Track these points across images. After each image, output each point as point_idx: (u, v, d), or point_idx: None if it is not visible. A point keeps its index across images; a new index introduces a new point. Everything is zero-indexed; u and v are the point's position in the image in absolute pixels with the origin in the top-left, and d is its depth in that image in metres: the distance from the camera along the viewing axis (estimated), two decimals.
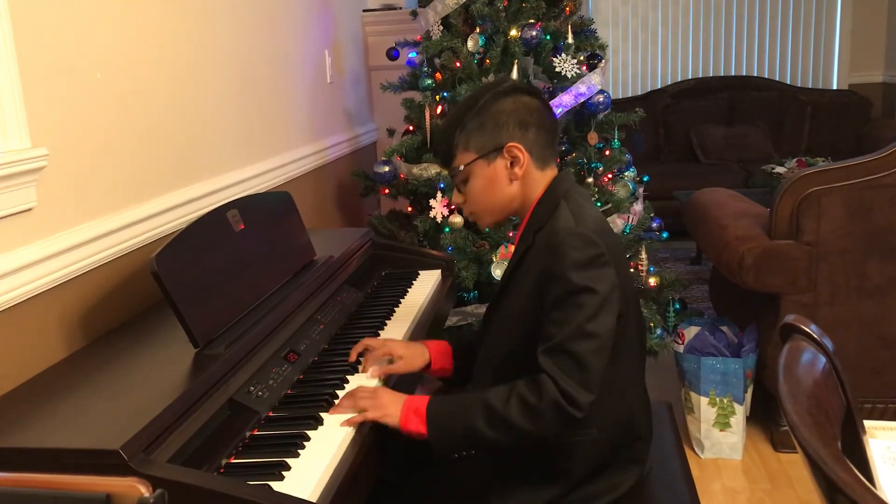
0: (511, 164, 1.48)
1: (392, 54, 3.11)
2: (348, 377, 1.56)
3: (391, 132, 3.20)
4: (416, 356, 1.64)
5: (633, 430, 1.52)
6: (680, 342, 2.72)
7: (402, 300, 2.02)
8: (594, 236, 1.38)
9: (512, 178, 1.49)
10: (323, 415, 1.39)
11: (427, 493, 1.62)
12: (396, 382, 1.60)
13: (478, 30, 2.72)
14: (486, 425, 1.36)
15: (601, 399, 1.37)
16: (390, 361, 1.62)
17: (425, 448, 1.59)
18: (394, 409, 1.40)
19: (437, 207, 2.64)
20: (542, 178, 1.51)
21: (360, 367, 1.60)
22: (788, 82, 6.40)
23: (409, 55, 3.01)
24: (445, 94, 2.78)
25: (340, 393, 1.49)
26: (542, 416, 1.34)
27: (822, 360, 1.12)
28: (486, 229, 2.53)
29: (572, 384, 1.32)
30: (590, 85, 2.70)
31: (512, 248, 2.53)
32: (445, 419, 1.39)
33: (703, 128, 6.04)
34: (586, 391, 1.33)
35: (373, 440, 1.38)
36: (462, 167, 1.51)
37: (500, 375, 1.43)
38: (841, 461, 0.87)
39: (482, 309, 2.66)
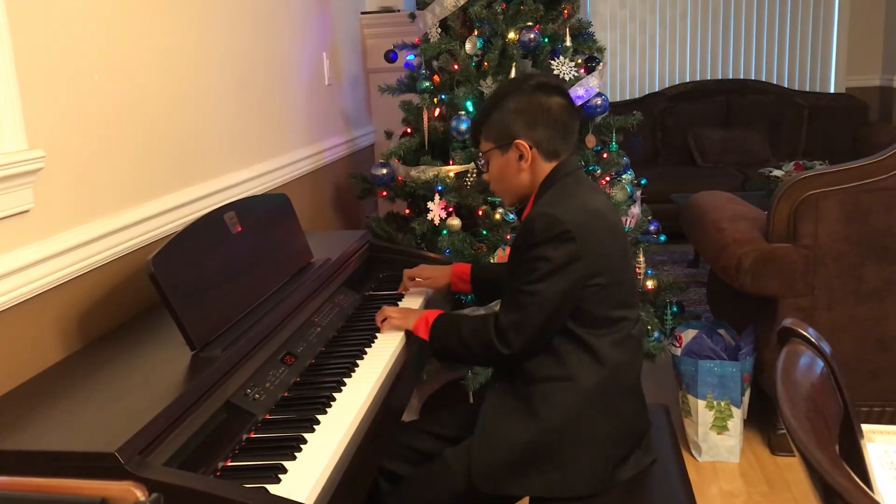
0: (520, 157, 1.70)
1: (390, 57, 3.11)
2: (345, 380, 1.56)
3: (389, 134, 3.20)
4: (441, 277, 2.03)
5: (613, 399, 1.63)
6: (677, 345, 2.72)
7: (399, 303, 2.02)
8: (560, 216, 1.58)
9: (520, 169, 1.71)
10: (320, 417, 1.39)
11: (424, 493, 1.65)
12: (396, 388, 1.61)
13: (476, 32, 2.72)
14: (456, 343, 1.71)
15: (579, 358, 1.61)
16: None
17: (421, 442, 1.80)
18: (412, 319, 1.79)
19: (435, 210, 2.64)
20: (549, 168, 1.71)
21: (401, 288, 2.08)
22: (786, 86, 6.41)
23: (407, 58, 3.01)
24: (443, 96, 2.77)
25: (337, 395, 1.49)
26: (480, 341, 1.65)
27: (820, 363, 1.12)
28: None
29: (506, 323, 1.60)
30: (588, 88, 2.70)
31: (509, 249, 2.54)
32: (438, 334, 1.74)
33: (700, 131, 6.05)
34: (516, 332, 1.59)
35: (369, 443, 1.38)
36: (482, 153, 1.78)
37: None
38: (838, 465, 0.87)
39: (480, 311, 2.65)
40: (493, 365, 1.80)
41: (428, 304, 2.05)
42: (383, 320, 1.82)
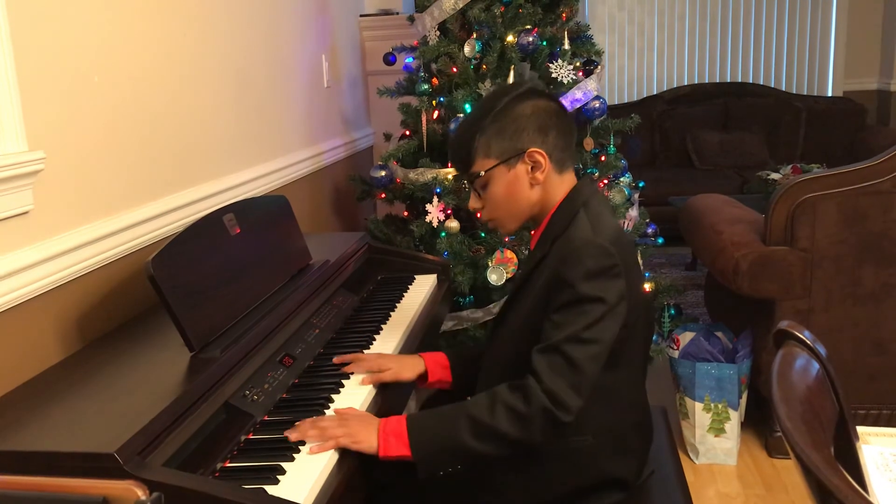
0: (532, 168, 1.48)
1: (389, 59, 3.11)
2: (343, 381, 1.56)
3: (388, 137, 3.21)
4: (406, 368, 1.62)
5: (626, 440, 1.52)
6: (675, 348, 2.72)
7: (397, 305, 2.03)
8: (610, 247, 1.39)
9: (533, 183, 1.49)
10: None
11: (421, 493, 1.63)
12: (390, 393, 1.59)
13: (474, 35, 2.73)
14: (473, 439, 1.34)
15: (596, 405, 1.41)
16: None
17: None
18: (367, 434, 1.33)
19: (434, 212, 2.65)
20: (560, 183, 1.51)
21: (347, 369, 1.60)
22: (784, 89, 6.42)
23: (406, 60, 3.01)
24: (442, 98, 2.78)
25: (336, 397, 1.49)
26: (532, 423, 1.33)
27: (816, 366, 1.13)
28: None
29: (562, 385, 1.32)
30: (586, 91, 2.71)
31: (508, 252, 2.54)
32: (429, 439, 1.36)
33: (698, 134, 6.06)
34: (575, 394, 1.33)
35: None
36: (482, 173, 1.50)
37: (507, 378, 1.40)
38: (833, 466, 0.88)
39: (478, 314, 2.66)
40: (542, 443, 1.38)
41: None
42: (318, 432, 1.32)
